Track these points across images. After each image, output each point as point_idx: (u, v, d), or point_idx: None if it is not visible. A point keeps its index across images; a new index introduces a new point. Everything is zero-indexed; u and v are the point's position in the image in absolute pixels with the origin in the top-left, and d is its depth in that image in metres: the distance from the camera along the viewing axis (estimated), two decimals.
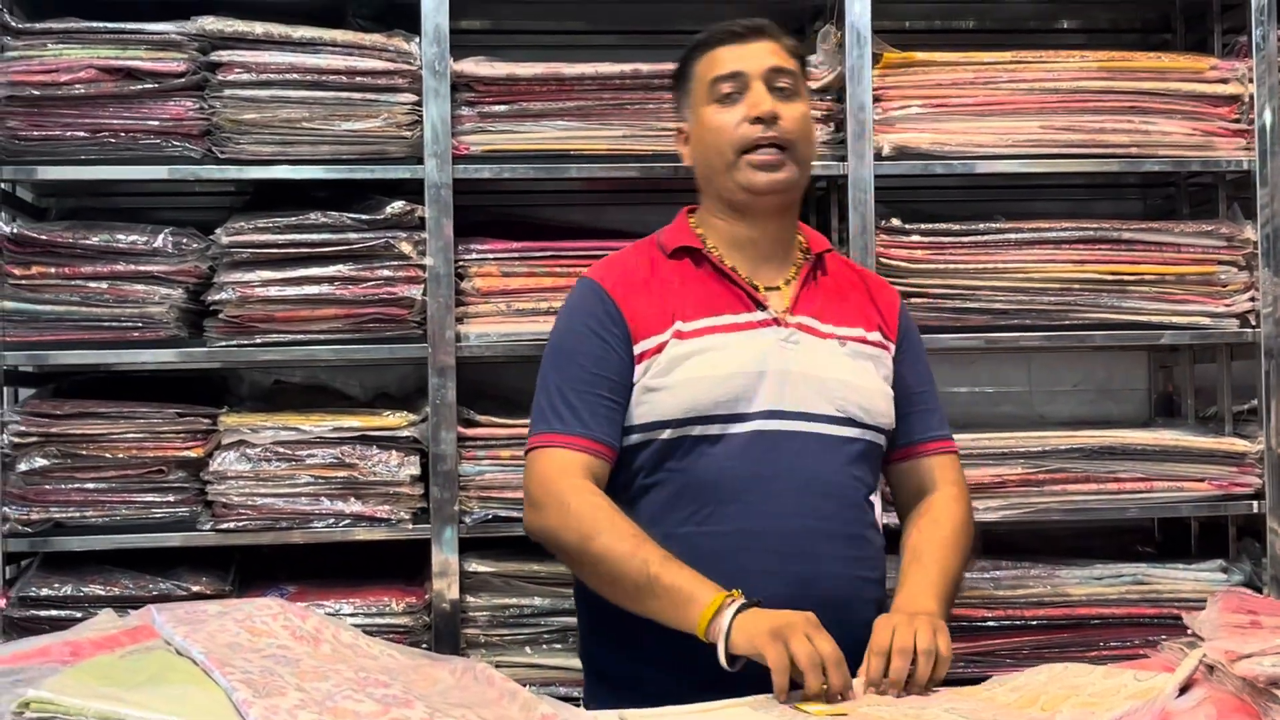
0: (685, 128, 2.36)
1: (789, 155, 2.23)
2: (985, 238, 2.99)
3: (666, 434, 2.17)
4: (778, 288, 2.26)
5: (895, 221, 2.97)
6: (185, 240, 2.79)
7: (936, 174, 2.99)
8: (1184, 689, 1.64)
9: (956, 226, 3.00)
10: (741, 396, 2.15)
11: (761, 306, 2.22)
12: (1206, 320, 3.02)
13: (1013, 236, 3.00)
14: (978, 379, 3.49)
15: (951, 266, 2.97)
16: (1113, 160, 3.01)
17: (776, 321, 2.21)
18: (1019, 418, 3.45)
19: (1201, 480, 3.00)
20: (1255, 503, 2.99)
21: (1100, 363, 3.51)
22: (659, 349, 2.18)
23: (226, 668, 1.56)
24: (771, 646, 1.82)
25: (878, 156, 2.93)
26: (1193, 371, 3.35)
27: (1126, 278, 3.00)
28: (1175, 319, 3.02)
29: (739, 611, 1.90)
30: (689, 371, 2.16)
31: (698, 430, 2.15)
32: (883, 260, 2.94)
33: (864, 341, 2.27)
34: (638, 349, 2.19)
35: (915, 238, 2.97)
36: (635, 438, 2.19)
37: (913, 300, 2.95)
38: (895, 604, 2.11)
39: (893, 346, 2.32)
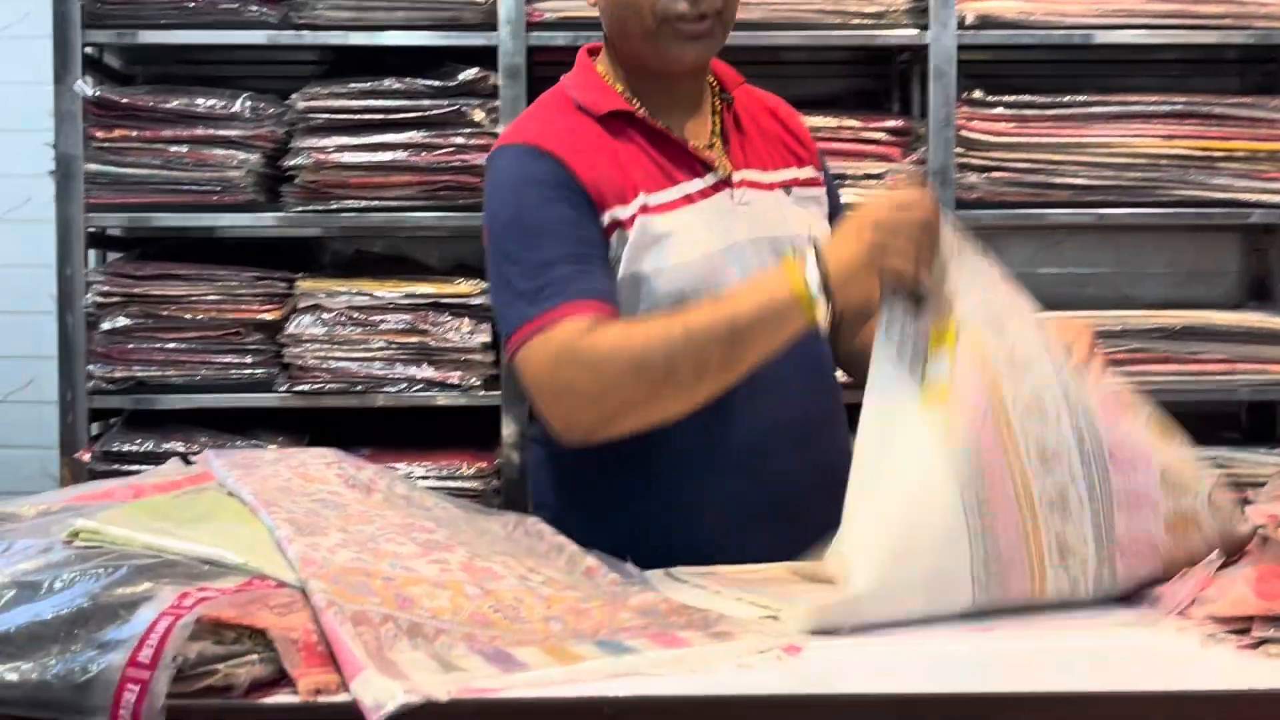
0: None
1: (718, 22, 1.91)
2: (1071, 111, 2.92)
3: None
4: (711, 145, 1.98)
5: (978, 94, 2.91)
6: (262, 105, 2.82)
7: (1022, 45, 2.92)
8: (1235, 560, 1.62)
9: (1041, 99, 2.92)
10: (722, 280, 1.88)
11: (709, 168, 1.94)
12: None
13: (1099, 110, 2.92)
14: (1064, 260, 3.42)
15: (1035, 141, 2.91)
16: (1206, 31, 2.91)
17: (726, 183, 1.95)
18: (1105, 299, 3.37)
19: None
20: None
21: (1190, 245, 3.42)
22: (629, 223, 1.86)
23: (272, 508, 1.60)
24: (880, 285, 1.67)
25: (961, 25, 2.86)
26: None
27: (1216, 154, 2.92)
28: (1266, 197, 2.93)
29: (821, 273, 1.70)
30: (672, 256, 1.87)
31: None
32: (964, 134, 2.88)
33: (800, 183, 2.04)
34: (605, 219, 1.86)
35: (999, 110, 2.91)
36: None
37: (994, 174, 2.90)
38: None
39: (822, 177, 2.09)
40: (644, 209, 1.88)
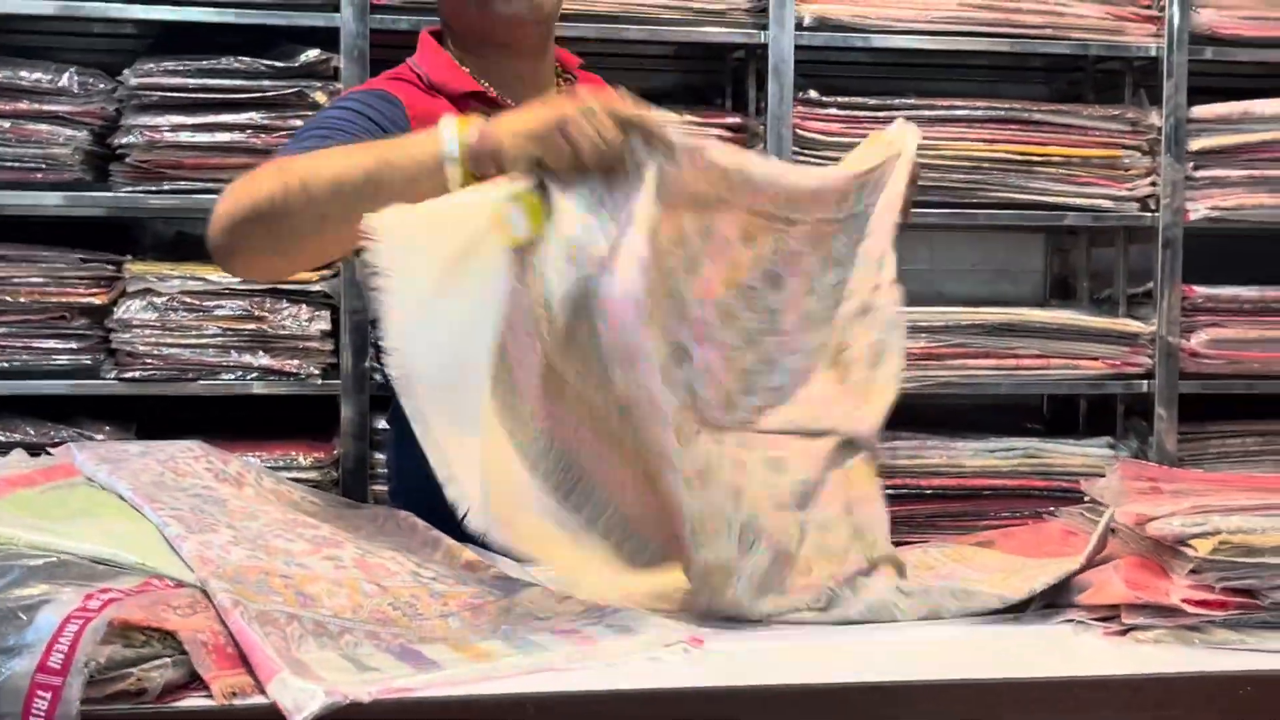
0: None
1: None
2: (900, 113, 3.00)
3: None
4: None
5: (813, 94, 2.98)
6: (91, 80, 2.72)
7: (855, 48, 3.01)
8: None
9: (872, 101, 3.02)
10: None
11: None
12: (1108, 203, 3.09)
13: (927, 113, 3.02)
14: None
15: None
16: (1027, 40, 3.05)
17: None
18: (920, 295, 3.49)
19: (1096, 359, 3.10)
20: (1145, 383, 3.09)
21: (1000, 244, 3.57)
22: None
23: (155, 503, 1.55)
24: (549, 143, 1.51)
25: (799, 26, 2.93)
26: (1089, 254, 3.42)
27: (1034, 159, 3.06)
28: (1079, 200, 3.08)
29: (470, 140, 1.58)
30: None
31: None
32: (799, 132, 2.95)
33: None
34: None
35: (832, 110, 2.99)
36: None
37: None
38: None
39: None
40: None
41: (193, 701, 1.24)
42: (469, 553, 1.71)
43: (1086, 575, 1.61)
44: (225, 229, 1.69)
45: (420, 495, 1.97)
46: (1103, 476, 1.93)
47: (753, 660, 1.41)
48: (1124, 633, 1.50)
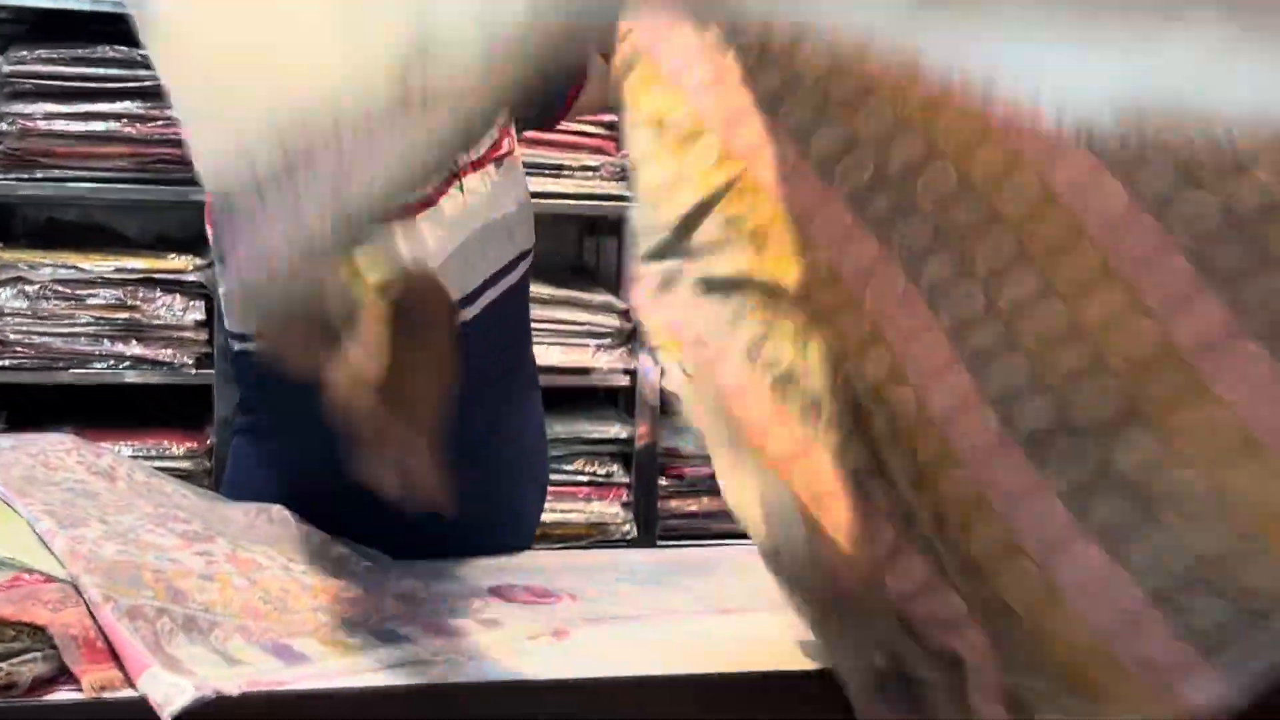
0: None
1: None
2: None
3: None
4: None
5: None
6: None
7: None
8: None
9: None
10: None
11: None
12: None
13: None
14: None
15: None
16: None
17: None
18: None
19: None
20: None
21: None
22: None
23: (26, 498, 1.56)
24: None
25: None
26: None
27: None
28: None
29: None
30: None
31: None
32: None
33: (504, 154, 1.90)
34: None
35: None
36: None
37: None
38: None
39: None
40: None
41: (62, 695, 1.26)
42: (340, 547, 1.74)
43: None
44: None
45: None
46: None
47: (616, 651, 1.46)
48: None
